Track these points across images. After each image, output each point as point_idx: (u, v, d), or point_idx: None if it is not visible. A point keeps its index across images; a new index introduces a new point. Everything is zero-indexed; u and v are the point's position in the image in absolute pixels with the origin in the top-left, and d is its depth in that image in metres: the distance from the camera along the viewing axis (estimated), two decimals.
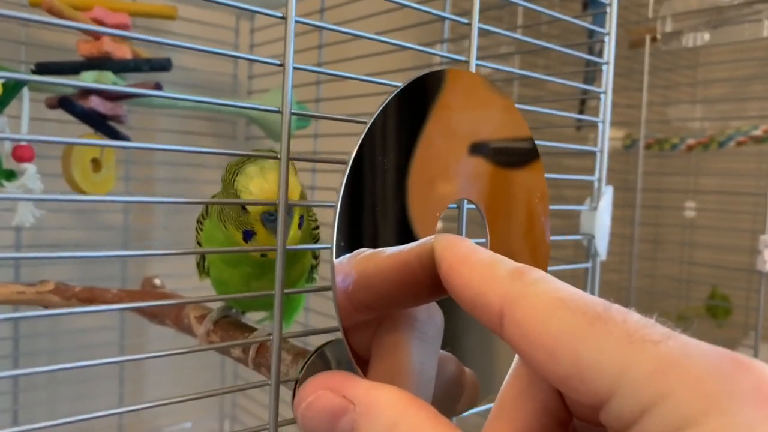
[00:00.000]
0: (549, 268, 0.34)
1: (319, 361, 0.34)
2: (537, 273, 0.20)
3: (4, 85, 0.49)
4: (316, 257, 0.46)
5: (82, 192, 0.57)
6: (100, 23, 0.55)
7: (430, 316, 0.24)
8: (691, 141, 1.02)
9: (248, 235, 0.38)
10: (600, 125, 0.54)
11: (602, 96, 0.54)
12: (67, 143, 0.28)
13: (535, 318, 0.18)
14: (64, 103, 0.53)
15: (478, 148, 0.28)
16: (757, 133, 0.96)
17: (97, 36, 0.56)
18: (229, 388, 0.31)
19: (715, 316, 1.16)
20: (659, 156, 1.27)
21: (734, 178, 1.20)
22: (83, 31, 0.58)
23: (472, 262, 0.21)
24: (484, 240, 0.29)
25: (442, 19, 0.42)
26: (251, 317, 0.50)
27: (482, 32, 0.41)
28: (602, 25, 0.54)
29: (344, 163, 0.24)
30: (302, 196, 0.39)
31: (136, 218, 0.83)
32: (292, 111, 0.31)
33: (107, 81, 0.54)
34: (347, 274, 0.23)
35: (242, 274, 0.42)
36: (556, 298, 0.18)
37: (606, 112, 0.54)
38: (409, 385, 0.23)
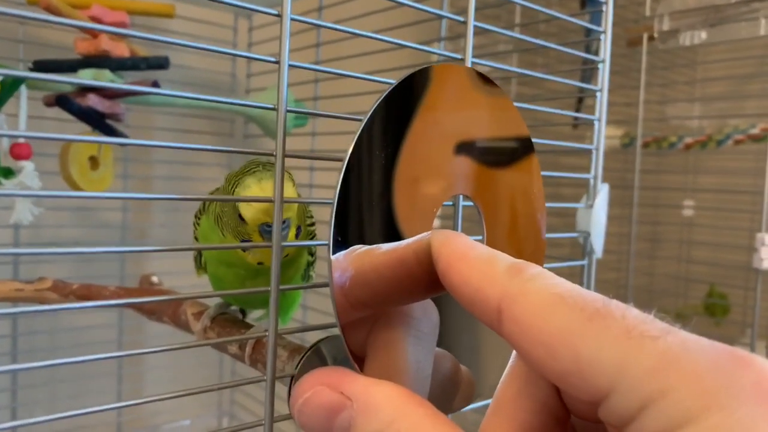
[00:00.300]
0: (546, 266, 0.34)
1: (315, 357, 0.34)
2: (535, 269, 0.20)
3: (2, 83, 0.49)
4: (312, 254, 0.46)
5: (79, 190, 0.57)
6: (98, 21, 0.55)
7: (426, 313, 0.24)
8: (689, 139, 1.03)
9: None
10: (596, 123, 0.54)
11: (598, 94, 0.54)
12: (64, 140, 0.28)
13: (533, 314, 0.18)
14: (61, 101, 0.53)
15: (469, 146, 0.27)
16: (755, 131, 0.96)
17: (94, 34, 0.56)
18: (225, 383, 0.31)
19: (713, 314, 1.16)
20: (657, 154, 1.28)
21: (732, 177, 1.20)
22: (81, 29, 0.58)
23: (470, 259, 0.21)
24: (480, 237, 0.29)
25: (440, 17, 0.42)
26: (251, 317, 0.50)
27: (480, 30, 0.41)
28: (599, 24, 0.54)
29: (340, 160, 0.24)
30: (300, 209, 0.40)
31: (134, 216, 0.83)
32: (288, 108, 0.31)
33: (105, 79, 0.54)
34: (344, 270, 0.23)
35: (237, 274, 0.42)
36: (554, 294, 0.18)
37: (602, 110, 0.54)
38: (405, 382, 0.23)
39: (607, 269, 1.18)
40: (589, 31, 0.55)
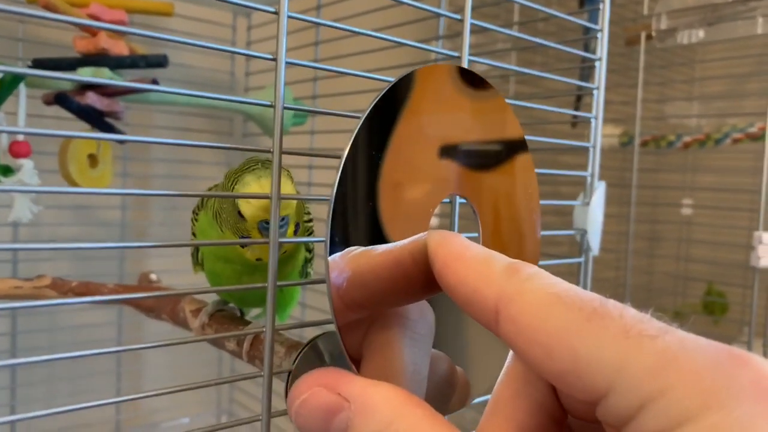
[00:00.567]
0: (542, 263, 0.34)
1: (313, 353, 0.34)
2: (532, 268, 0.20)
3: (1, 81, 0.49)
4: (310, 251, 0.46)
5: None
6: (97, 20, 0.56)
7: (422, 315, 0.24)
8: (687, 138, 1.03)
9: None
10: (593, 121, 0.54)
11: (595, 92, 0.54)
12: (63, 136, 0.28)
13: (531, 314, 0.18)
14: (60, 99, 0.54)
15: (453, 150, 0.27)
16: (753, 130, 0.96)
17: (93, 32, 0.56)
18: (223, 378, 0.31)
19: (711, 313, 1.16)
20: (656, 153, 1.28)
21: (730, 175, 1.21)
22: (80, 27, 0.58)
23: (467, 259, 0.21)
24: (476, 234, 0.29)
25: (438, 15, 0.42)
26: (248, 315, 0.51)
27: (478, 29, 0.42)
28: (597, 22, 0.54)
29: (337, 157, 0.24)
30: (298, 206, 0.40)
31: (133, 214, 0.83)
32: (285, 105, 0.32)
33: (104, 77, 0.54)
34: (341, 271, 0.23)
35: (235, 270, 0.42)
36: (551, 294, 0.18)
37: (599, 108, 0.54)
38: (402, 384, 0.22)
39: (605, 268, 1.18)
40: (587, 30, 0.55)
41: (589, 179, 0.54)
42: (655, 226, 1.28)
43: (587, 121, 0.55)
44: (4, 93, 0.50)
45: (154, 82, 0.57)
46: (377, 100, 0.24)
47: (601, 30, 0.54)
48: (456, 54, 0.41)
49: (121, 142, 0.30)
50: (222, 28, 0.86)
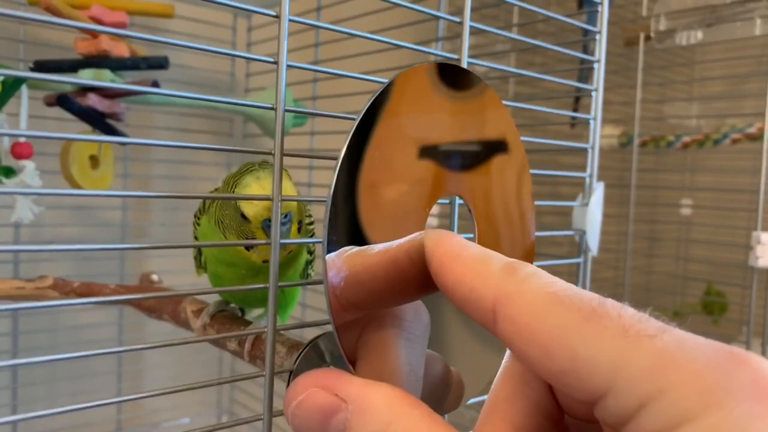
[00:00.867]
0: (541, 264, 0.34)
1: (313, 353, 0.34)
2: (529, 268, 0.20)
3: (3, 83, 0.49)
4: (311, 253, 0.47)
5: (80, 189, 0.57)
6: (98, 22, 0.56)
7: (417, 315, 0.24)
8: (686, 138, 1.03)
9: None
10: (591, 122, 0.54)
11: (594, 93, 0.54)
12: (64, 138, 0.29)
13: (529, 314, 0.18)
14: (62, 100, 0.54)
15: (434, 150, 0.27)
16: (752, 130, 0.96)
17: (95, 34, 0.56)
18: (224, 378, 0.32)
19: (711, 313, 1.16)
20: (655, 153, 1.28)
21: (729, 175, 1.21)
22: (81, 29, 0.58)
23: (463, 258, 0.21)
24: (471, 235, 0.29)
25: (438, 17, 0.42)
26: (249, 316, 0.51)
27: (477, 30, 0.42)
28: (596, 24, 0.54)
29: (335, 158, 0.24)
30: (299, 207, 0.40)
31: (134, 215, 0.83)
32: (286, 108, 0.32)
33: (105, 79, 0.55)
34: (339, 270, 0.23)
35: (238, 273, 0.42)
36: (550, 294, 0.18)
37: (597, 109, 0.54)
38: (398, 385, 0.22)
39: (605, 268, 1.19)
40: (586, 31, 0.55)
41: (587, 180, 0.54)
42: (655, 227, 1.28)
43: (585, 121, 0.55)
44: (6, 95, 0.50)
45: (155, 83, 0.58)
46: (370, 103, 0.25)
47: (600, 32, 0.54)
48: (455, 56, 0.41)
49: (123, 144, 0.30)
50: (222, 29, 0.86)
